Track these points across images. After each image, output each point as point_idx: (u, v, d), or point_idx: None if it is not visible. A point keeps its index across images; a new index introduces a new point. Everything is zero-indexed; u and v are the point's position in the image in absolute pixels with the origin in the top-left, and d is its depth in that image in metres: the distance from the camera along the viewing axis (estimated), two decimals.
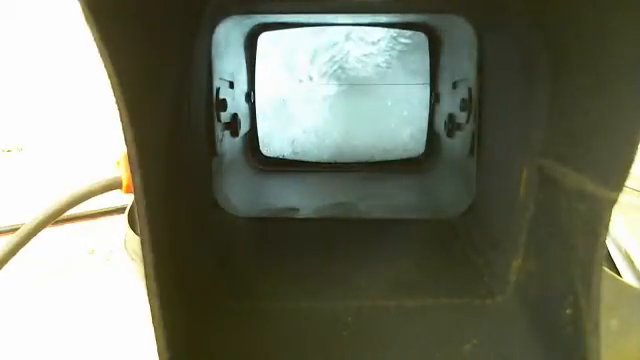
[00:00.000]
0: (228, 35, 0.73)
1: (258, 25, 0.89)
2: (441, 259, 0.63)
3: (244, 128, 0.86)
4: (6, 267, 0.54)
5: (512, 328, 0.47)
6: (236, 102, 0.81)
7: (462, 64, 0.71)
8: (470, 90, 0.67)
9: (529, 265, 0.48)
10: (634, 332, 0.66)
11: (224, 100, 0.70)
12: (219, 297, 0.51)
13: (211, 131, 0.67)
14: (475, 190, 0.66)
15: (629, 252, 0.83)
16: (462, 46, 0.71)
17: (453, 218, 0.69)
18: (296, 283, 0.56)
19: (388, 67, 0.96)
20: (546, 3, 0.45)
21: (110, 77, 0.31)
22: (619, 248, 0.84)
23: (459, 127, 0.75)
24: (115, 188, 0.60)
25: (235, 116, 0.78)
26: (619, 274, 0.81)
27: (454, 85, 0.78)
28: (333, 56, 0.95)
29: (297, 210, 0.76)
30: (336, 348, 0.47)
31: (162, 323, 0.35)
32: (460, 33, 0.70)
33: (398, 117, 0.97)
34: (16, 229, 0.55)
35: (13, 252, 0.54)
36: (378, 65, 0.96)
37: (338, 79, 0.96)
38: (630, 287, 0.71)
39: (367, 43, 0.95)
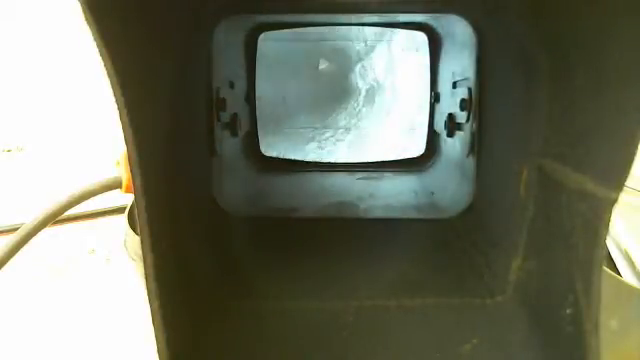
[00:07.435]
0: (228, 35, 0.73)
1: (258, 25, 0.89)
2: (441, 259, 0.63)
3: (244, 128, 0.86)
4: (6, 267, 0.54)
5: (512, 328, 0.47)
6: (236, 102, 0.81)
7: (462, 64, 0.71)
8: (470, 90, 0.67)
9: (529, 265, 0.48)
10: (634, 332, 0.66)
11: (224, 100, 0.70)
12: (219, 297, 0.51)
13: (211, 131, 0.67)
14: (475, 190, 0.66)
15: (629, 252, 0.83)
16: (462, 46, 0.71)
17: (453, 218, 0.69)
18: (296, 283, 0.56)
19: (388, 67, 0.96)
20: (546, 4, 0.45)
21: (110, 77, 0.31)
22: (619, 248, 0.84)
23: (459, 127, 0.75)
24: (115, 188, 0.60)
25: (235, 116, 0.78)
26: (619, 274, 0.81)
27: (454, 85, 0.78)
28: (332, 56, 0.95)
29: (297, 210, 0.76)
30: (336, 348, 0.47)
31: (162, 323, 0.35)
32: (460, 33, 0.70)
33: (398, 117, 0.97)
34: (16, 229, 0.55)
35: (13, 252, 0.54)
36: (378, 65, 0.96)
37: (338, 79, 0.96)
38: (630, 287, 0.71)
39: (367, 43, 0.95)
